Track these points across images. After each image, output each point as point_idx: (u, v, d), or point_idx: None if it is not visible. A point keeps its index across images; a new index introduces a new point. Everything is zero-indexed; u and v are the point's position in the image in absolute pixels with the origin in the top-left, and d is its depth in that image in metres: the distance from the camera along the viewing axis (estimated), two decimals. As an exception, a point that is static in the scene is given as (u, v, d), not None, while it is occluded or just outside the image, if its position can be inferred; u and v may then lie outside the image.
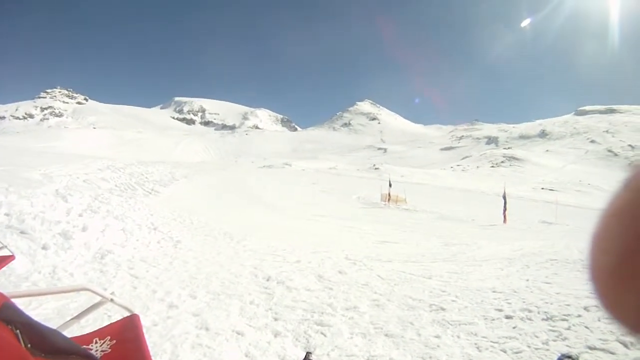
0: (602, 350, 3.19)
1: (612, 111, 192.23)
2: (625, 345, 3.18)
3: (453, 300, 4.87)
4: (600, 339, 3.36)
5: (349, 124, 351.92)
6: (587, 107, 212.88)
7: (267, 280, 5.71)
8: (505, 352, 3.36)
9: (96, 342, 1.66)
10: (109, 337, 1.70)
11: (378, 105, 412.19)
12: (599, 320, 3.72)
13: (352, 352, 3.46)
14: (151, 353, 3.28)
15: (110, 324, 1.84)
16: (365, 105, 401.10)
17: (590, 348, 3.23)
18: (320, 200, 23.79)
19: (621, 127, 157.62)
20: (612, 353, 3.12)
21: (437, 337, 3.77)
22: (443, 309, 4.55)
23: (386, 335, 3.83)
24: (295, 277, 5.90)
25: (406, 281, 5.90)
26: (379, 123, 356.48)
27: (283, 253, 7.72)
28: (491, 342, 3.58)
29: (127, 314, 1.87)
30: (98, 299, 1.89)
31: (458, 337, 3.76)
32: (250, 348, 3.52)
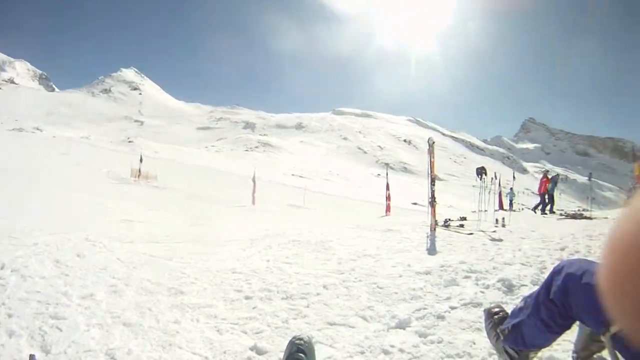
0: (342, 325, 3.67)
1: (367, 115, 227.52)
2: (365, 319, 3.72)
3: (192, 282, 5.00)
4: (339, 315, 3.88)
5: (110, 90, 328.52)
6: (345, 109, 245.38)
7: (1, 269, 5.12)
8: (245, 333, 3.56)
9: None
10: None
11: (142, 75, 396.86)
12: (338, 297, 4.28)
13: (89, 347, 3.23)
14: None
15: None
16: (129, 73, 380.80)
17: (330, 324, 3.69)
18: (69, 174, 22.82)
19: (373, 130, 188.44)
20: (352, 327, 3.63)
21: (177, 322, 3.76)
22: (182, 292, 4.60)
23: (124, 324, 3.69)
24: (31, 263, 5.47)
25: (146, 264, 5.92)
26: (140, 94, 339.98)
27: (20, 235, 7.14)
28: (231, 323, 3.75)
29: None
30: None
31: (197, 320, 3.81)
32: (-18, 357, 3.20)
